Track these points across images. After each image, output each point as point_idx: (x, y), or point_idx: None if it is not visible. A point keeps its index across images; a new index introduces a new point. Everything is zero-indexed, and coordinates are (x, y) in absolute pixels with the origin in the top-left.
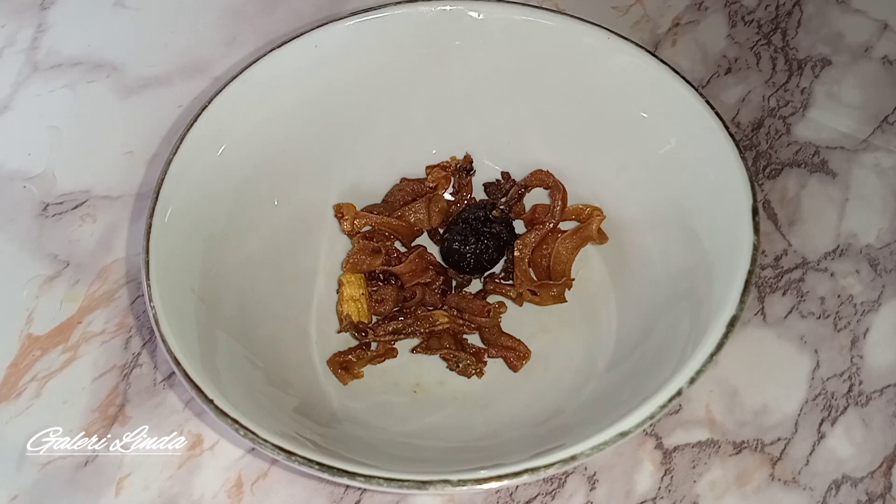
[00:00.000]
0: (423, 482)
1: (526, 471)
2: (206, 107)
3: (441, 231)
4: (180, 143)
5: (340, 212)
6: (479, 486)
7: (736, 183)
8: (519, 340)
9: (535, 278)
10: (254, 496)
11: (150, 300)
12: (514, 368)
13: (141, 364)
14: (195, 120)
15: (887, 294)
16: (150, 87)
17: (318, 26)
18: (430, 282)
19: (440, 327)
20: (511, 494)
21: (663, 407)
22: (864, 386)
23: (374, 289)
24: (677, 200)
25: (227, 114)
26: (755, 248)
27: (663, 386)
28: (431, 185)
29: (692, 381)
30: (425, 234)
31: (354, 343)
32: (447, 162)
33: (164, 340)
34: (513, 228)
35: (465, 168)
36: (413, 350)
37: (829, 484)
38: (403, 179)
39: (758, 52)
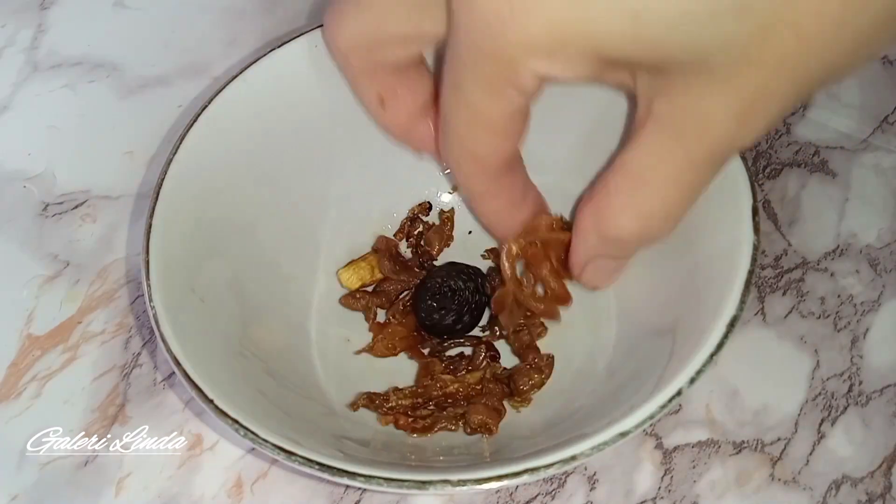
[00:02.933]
0: (423, 482)
1: (526, 471)
2: (206, 107)
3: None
4: (180, 143)
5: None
6: (479, 486)
7: (736, 183)
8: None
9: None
10: (254, 496)
11: (150, 300)
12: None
13: (141, 364)
14: (195, 120)
15: (887, 294)
16: (150, 87)
17: (319, 26)
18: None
19: (450, 389)
20: (511, 494)
21: (663, 407)
22: (864, 386)
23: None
24: None
25: (227, 114)
26: (755, 247)
27: (663, 386)
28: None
29: (692, 381)
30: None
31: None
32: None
33: (164, 340)
34: (484, 280)
35: (416, 217)
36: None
37: (829, 484)
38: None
39: None
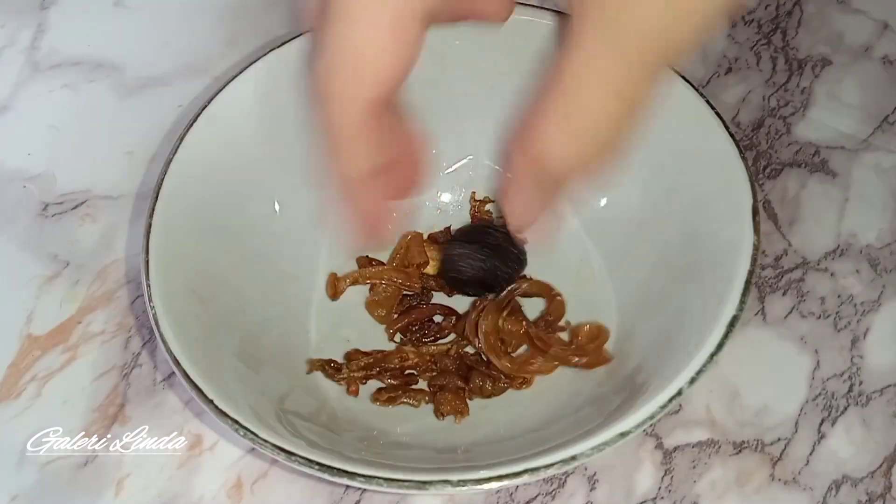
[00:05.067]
0: (423, 482)
1: (526, 471)
2: (206, 107)
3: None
4: (180, 143)
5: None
6: (479, 487)
7: (736, 183)
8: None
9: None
10: (254, 496)
11: (150, 300)
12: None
13: (141, 364)
14: (195, 120)
15: (887, 294)
16: (150, 87)
17: None
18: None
19: (408, 363)
20: (511, 494)
21: (663, 407)
22: (864, 386)
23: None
24: (677, 200)
25: (226, 113)
26: (755, 248)
27: (663, 386)
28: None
29: (692, 381)
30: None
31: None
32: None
33: (164, 340)
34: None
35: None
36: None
37: (830, 484)
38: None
39: (758, 51)
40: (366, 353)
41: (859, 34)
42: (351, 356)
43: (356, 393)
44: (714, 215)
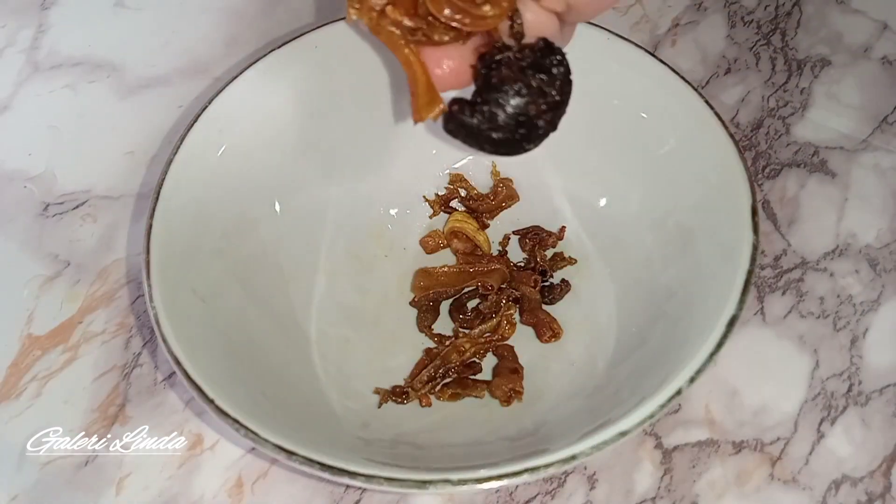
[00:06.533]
0: (424, 481)
1: (526, 470)
2: (206, 107)
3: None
4: (180, 144)
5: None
6: (479, 486)
7: (736, 183)
8: (554, 318)
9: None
10: (254, 496)
11: (151, 300)
12: (541, 339)
13: (141, 364)
14: (195, 120)
15: (887, 294)
16: (150, 87)
17: (318, 26)
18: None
19: (467, 354)
20: (511, 494)
21: (663, 406)
22: (864, 386)
23: None
24: (677, 200)
25: (227, 114)
26: (755, 247)
27: (663, 385)
28: None
29: (692, 380)
30: None
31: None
32: None
33: (164, 340)
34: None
35: None
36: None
37: (829, 484)
38: None
39: (757, 52)
40: (425, 364)
41: (858, 34)
42: (411, 386)
43: (430, 404)
44: (713, 215)
